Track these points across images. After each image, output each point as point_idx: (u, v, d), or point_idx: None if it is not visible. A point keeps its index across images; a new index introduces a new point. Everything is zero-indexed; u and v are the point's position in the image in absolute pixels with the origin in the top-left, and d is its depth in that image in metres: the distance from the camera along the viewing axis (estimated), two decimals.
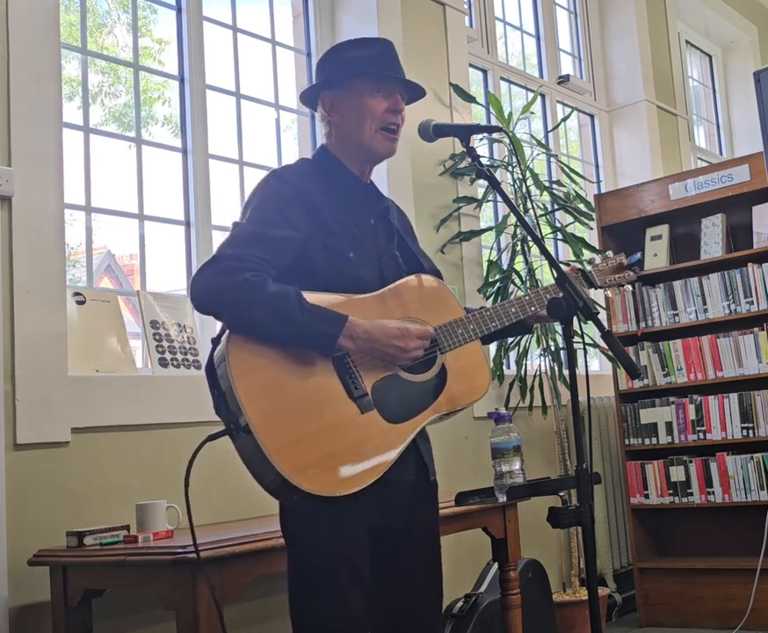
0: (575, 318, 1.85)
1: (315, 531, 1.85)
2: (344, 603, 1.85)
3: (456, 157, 4.14)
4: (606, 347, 1.83)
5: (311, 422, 1.80)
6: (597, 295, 4.85)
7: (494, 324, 2.02)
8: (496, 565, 3.30)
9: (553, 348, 4.08)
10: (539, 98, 5.05)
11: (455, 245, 4.10)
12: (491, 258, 4.16)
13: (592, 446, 4.47)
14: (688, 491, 4.26)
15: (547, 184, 4.28)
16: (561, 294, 2.01)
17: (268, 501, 1.95)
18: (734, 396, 4.16)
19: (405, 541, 2.00)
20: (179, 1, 3.46)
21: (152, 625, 2.74)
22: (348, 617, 1.85)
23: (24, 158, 2.66)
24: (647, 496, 4.36)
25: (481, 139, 4.36)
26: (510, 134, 4.18)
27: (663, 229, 4.53)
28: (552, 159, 4.95)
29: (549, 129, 5.01)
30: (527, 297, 2.09)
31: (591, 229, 4.62)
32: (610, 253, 2.26)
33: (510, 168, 4.19)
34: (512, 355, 4.41)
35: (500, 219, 4.36)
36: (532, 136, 4.77)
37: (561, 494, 2.96)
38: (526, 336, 4.02)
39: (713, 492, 4.19)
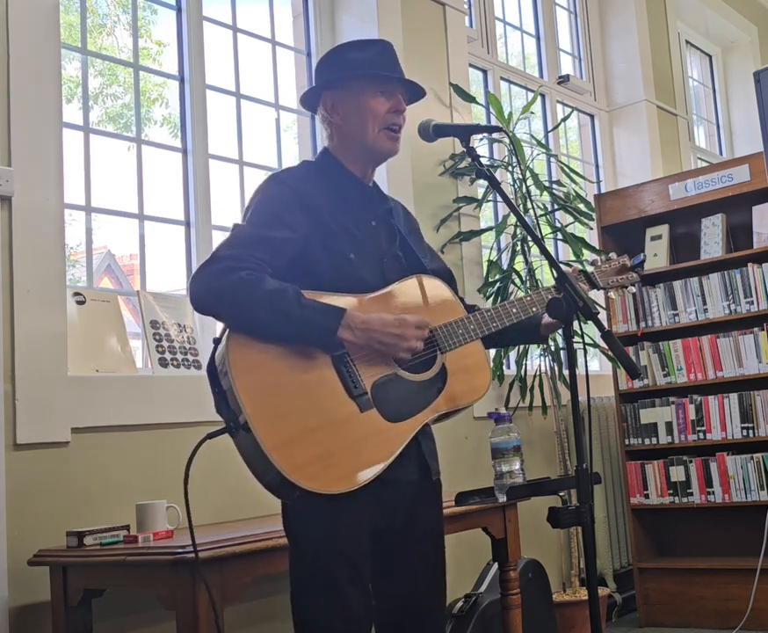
0: (575, 318, 1.85)
1: (316, 530, 1.86)
2: (344, 603, 1.85)
3: (456, 157, 4.14)
4: (606, 347, 1.83)
5: (310, 420, 1.80)
6: (597, 295, 4.84)
7: (494, 325, 2.02)
8: (496, 565, 3.30)
9: (553, 348, 4.08)
10: (539, 98, 5.05)
11: (455, 245, 4.10)
12: (491, 258, 4.16)
13: (592, 446, 4.47)
14: (688, 491, 4.26)
15: (547, 184, 4.28)
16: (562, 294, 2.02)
17: (268, 500, 1.95)
18: (734, 396, 4.16)
19: (407, 540, 2.00)
20: (179, 1, 3.46)
21: (152, 625, 2.74)
22: (348, 617, 1.85)
23: (24, 158, 2.66)
24: (647, 496, 4.36)
25: (481, 139, 4.36)
26: (510, 134, 4.18)
27: (663, 229, 4.53)
28: (552, 159, 4.95)
29: (549, 129, 5.01)
30: (529, 298, 2.08)
31: (591, 229, 4.62)
32: (613, 255, 2.26)
33: (510, 168, 4.19)
34: (512, 355, 4.41)
35: (500, 219, 4.36)
36: (532, 136, 4.77)
37: (561, 494, 2.96)
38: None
39: (713, 492, 4.19)
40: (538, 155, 4.44)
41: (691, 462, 4.26)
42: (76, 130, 3.06)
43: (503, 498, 2.08)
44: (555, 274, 1.88)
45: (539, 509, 2.49)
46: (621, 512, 4.66)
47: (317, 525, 1.86)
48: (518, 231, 4.12)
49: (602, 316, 2.05)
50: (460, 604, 3.34)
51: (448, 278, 2.21)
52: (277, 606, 3.06)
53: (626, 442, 4.43)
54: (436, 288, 2.06)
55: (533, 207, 4.28)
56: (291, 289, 1.83)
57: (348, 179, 2.04)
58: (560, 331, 2.17)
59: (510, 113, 4.27)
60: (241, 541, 2.26)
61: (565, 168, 4.41)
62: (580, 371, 1.88)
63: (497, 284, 4.08)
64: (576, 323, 1.86)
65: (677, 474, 4.28)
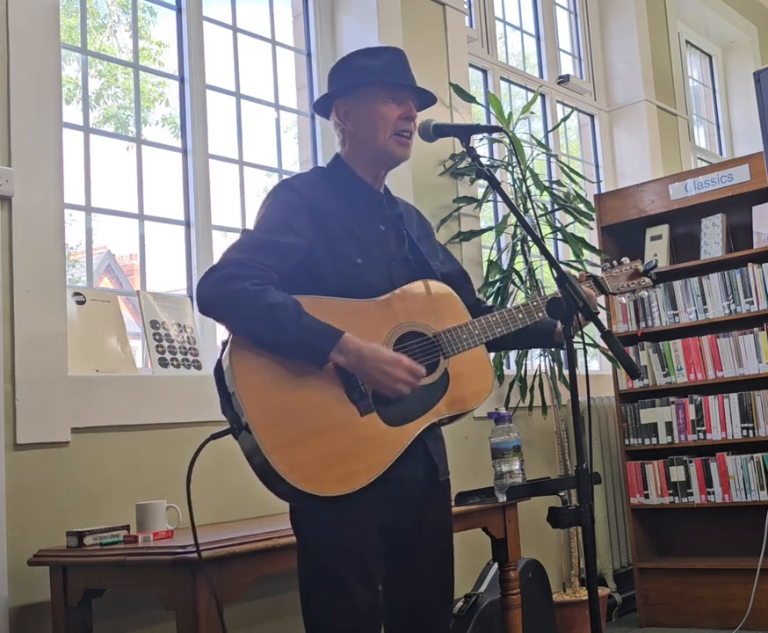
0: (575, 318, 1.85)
1: (321, 529, 1.88)
2: (349, 601, 1.86)
3: (456, 157, 4.14)
4: (606, 347, 1.83)
5: (310, 422, 1.82)
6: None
7: (499, 330, 2.02)
8: (496, 565, 3.30)
9: (553, 348, 4.08)
10: (539, 98, 5.05)
11: (455, 245, 4.10)
12: (491, 258, 4.16)
13: (592, 446, 4.47)
14: (688, 491, 4.26)
15: (547, 184, 4.28)
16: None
17: (269, 500, 1.95)
18: (734, 396, 4.16)
19: (415, 540, 2.01)
20: (179, 1, 3.46)
21: (152, 625, 2.74)
22: (354, 615, 1.87)
23: (24, 158, 2.66)
24: (647, 496, 4.36)
25: (481, 139, 4.36)
26: (510, 134, 4.18)
27: (663, 229, 4.53)
28: (552, 159, 4.95)
29: (549, 129, 5.01)
30: (535, 303, 2.08)
31: (591, 229, 4.62)
32: (626, 259, 2.24)
33: (510, 168, 4.19)
34: (512, 355, 4.41)
35: (500, 219, 4.36)
36: (532, 136, 4.77)
37: (561, 494, 2.96)
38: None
39: (713, 492, 4.19)
40: (538, 155, 4.44)
41: (691, 461, 4.26)
42: (76, 130, 3.06)
43: (503, 498, 2.08)
44: (555, 274, 1.88)
45: (539, 509, 2.49)
46: (621, 512, 4.66)
47: (322, 524, 1.87)
48: (518, 231, 4.12)
49: (602, 316, 2.05)
50: (460, 604, 3.34)
51: (463, 279, 2.23)
52: (277, 606, 3.06)
53: (626, 442, 4.43)
54: (441, 292, 2.06)
55: (533, 207, 4.28)
56: (291, 305, 1.85)
57: (357, 185, 2.06)
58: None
59: (510, 113, 4.27)
60: (241, 541, 2.26)
61: (565, 168, 4.41)
62: (580, 371, 1.88)
63: (497, 284, 4.08)
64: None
65: (677, 474, 4.28)
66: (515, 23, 5.22)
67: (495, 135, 4.28)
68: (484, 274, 4.18)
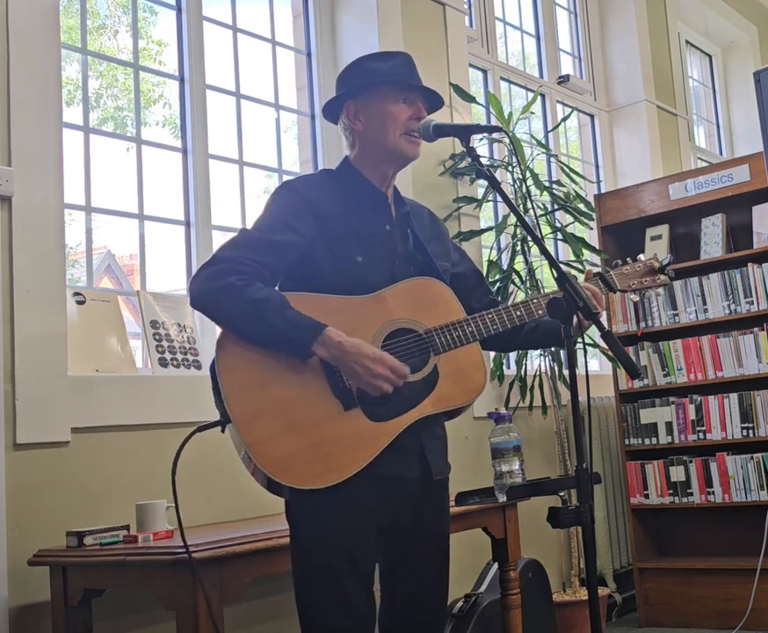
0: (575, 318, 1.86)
1: (311, 524, 1.90)
2: (342, 597, 1.88)
3: (456, 157, 4.14)
4: (606, 347, 1.83)
5: (293, 416, 1.85)
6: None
7: (494, 327, 2.02)
8: (496, 565, 3.30)
9: (553, 348, 4.08)
10: (539, 98, 5.05)
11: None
12: (491, 258, 4.16)
13: (592, 446, 4.47)
14: (688, 491, 4.26)
15: (547, 184, 4.28)
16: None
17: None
18: (734, 396, 4.16)
19: (412, 539, 2.02)
20: (179, 1, 3.46)
21: (152, 625, 2.74)
22: (347, 610, 1.88)
23: (24, 158, 2.66)
24: (647, 496, 4.36)
25: (481, 139, 4.36)
26: (510, 134, 4.18)
27: (663, 229, 4.53)
28: (552, 159, 4.95)
29: (549, 129, 5.01)
30: (535, 301, 2.08)
31: (591, 229, 4.62)
32: (641, 256, 2.22)
33: (510, 168, 4.19)
34: (512, 355, 4.41)
35: (500, 219, 4.36)
36: (532, 136, 4.77)
37: (561, 494, 2.96)
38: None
39: (713, 492, 4.19)
40: (538, 155, 4.44)
41: (691, 461, 4.26)
42: (76, 130, 3.06)
43: (503, 498, 2.08)
44: (555, 274, 1.88)
45: (539, 509, 2.49)
46: (621, 513, 4.66)
47: (312, 519, 1.89)
48: (518, 231, 4.12)
49: (602, 316, 2.05)
50: (460, 604, 3.34)
51: (476, 279, 2.25)
52: (277, 606, 3.06)
53: (626, 442, 4.43)
54: (436, 290, 2.06)
55: (533, 207, 4.28)
56: (278, 299, 1.88)
57: (363, 186, 2.08)
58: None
59: (510, 113, 4.27)
60: (241, 541, 2.26)
61: (565, 168, 4.41)
62: (580, 371, 1.88)
63: (497, 284, 4.08)
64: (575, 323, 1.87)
65: (677, 474, 4.28)
66: (515, 23, 5.22)
67: (495, 135, 4.28)
68: (484, 274, 4.18)
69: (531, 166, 4.21)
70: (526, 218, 3.77)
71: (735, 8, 6.83)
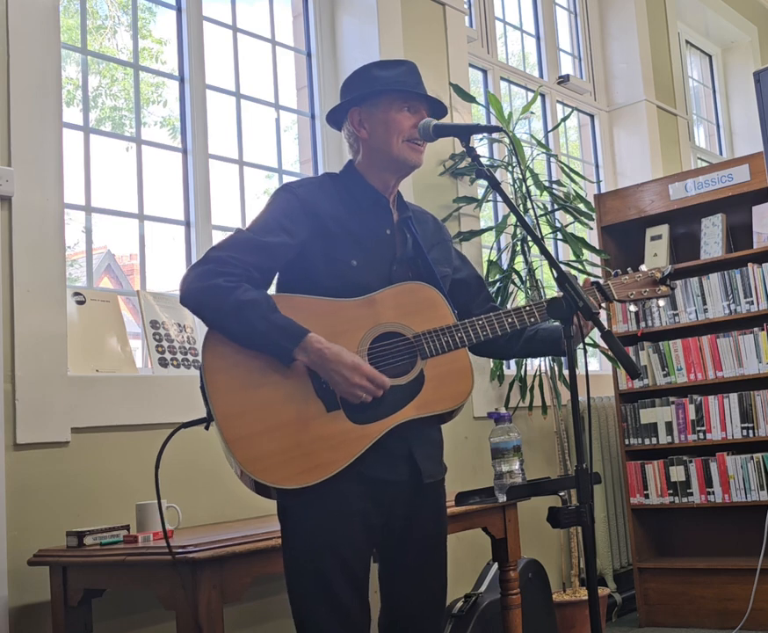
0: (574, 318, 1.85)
1: (302, 526, 1.91)
2: (333, 596, 1.88)
3: (456, 157, 4.14)
4: (606, 347, 1.83)
5: (274, 416, 1.86)
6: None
7: (485, 334, 2.01)
8: (496, 565, 3.30)
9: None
10: (539, 98, 5.05)
11: (455, 245, 4.09)
12: (491, 258, 4.16)
13: (592, 446, 4.48)
14: (688, 491, 4.25)
15: (546, 184, 4.28)
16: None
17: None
18: (734, 396, 4.16)
19: (406, 542, 2.03)
20: (179, 1, 3.46)
21: (152, 625, 2.74)
22: (335, 603, 1.88)
23: (24, 158, 2.66)
24: (647, 496, 4.36)
25: (481, 139, 4.36)
26: (510, 134, 4.18)
27: (663, 229, 4.53)
28: (552, 159, 4.95)
29: (549, 129, 5.01)
30: (528, 309, 2.07)
31: (591, 229, 4.62)
32: (643, 267, 2.20)
33: (510, 168, 4.19)
34: None
35: (500, 219, 4.36)
36: (531, 136, 4.77)
37: (561, 494, 2.95)
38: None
39: (713, 492, 4.19)
40: (538, 155, 4.44)
41: (691, 462, 4.26)
42: (76, 130, 3.06)
43: (503, 498, 2.08)
44: (555, 274, 1.87)
45: (539, 509, 2.49)
46: (621, 513, 4.66)
47: (305, 520, 1.90)
48: (518, 231, 4.12)
49: (602, 315, 2.05)
50: (459, 604, 3.34)
51: (477, 285, 2.25)
52: (277, 606, 3.06)
53: (626, 442, 4.43)
54: (427, 295, 2.05)
55: (533, 207, 4.28)
56: (264, 302, 1.89)
57: (365, 190, 2.08)
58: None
59: (510, 113, 4.27)
60: (241, 541, 2.26)
61: (565, 168, 4.41)
62: (580, 371, 1.88)
63: (497, 284, 4.08)
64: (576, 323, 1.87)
65: (677, 474, 4.28)
66: (515, 23, 5.22)
67: (495, 135, 4.28)
68: (484, 274, 4.18)
69: (531, 166, 4.21)
70: (526, 218, 3.77)
71: (735, 8, 6.83)
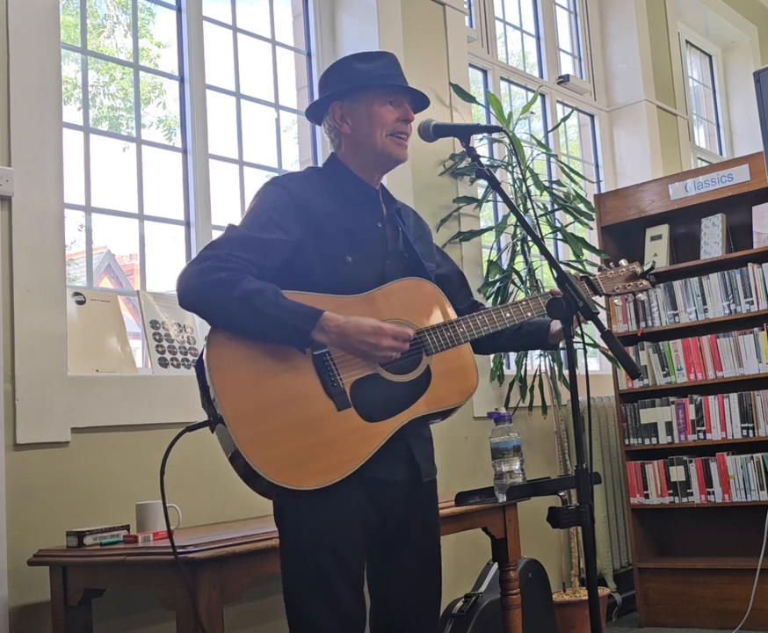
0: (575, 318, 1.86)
1: (301, 525, 1.88)
2: (332, 596, 1.87)
3: (456, 157, 4.14)
4: (606, 347, 1.83)
5: (285, 416, 1.83)
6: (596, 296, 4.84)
7: (486, 329, 2.02)
8: (496, 565, 3.30)
9: (547, 350, 4.07)
10: (539, 98, 5.05)
11: (455, 245, 4.10)
12: (491, 258, 4.16)
13: (592, 446, 4.48)
14: (688, 491, 4.26)
15: (546, 184, 4.28)
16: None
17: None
18: (734, 396, 4.16)
19: (402, 542, 2.02)
20: (179, 1, 3.46)
21: (152, 625, 2.74)
22: (335, 603, 1.87)
23: (24, 158, 2.66)
24: (647, 496, 4.36)
25: (481, 139, 4.36)
26: (510, 134, 4.18)
27: (663, 229, 4.53)
28: (552, 159, 4.95)
29: (549, 129, 5.01)
30: (524, 303, 2.08)
31: (591, 229, 4.62)
32: (623, 261, 2.24)
33: (510, 168, 4.19)
34: (512, 355, 4.41)
35: (500, 219, 4.36)
36: (531, 136, 4.77)
37: (561, 494, 2.96)
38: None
39: (713, 492, 4.19)
40: (538, 155, 4.44)
41: (691, 462, 4.26)
42: (76, 130, 3.06)
43: (503, 498, 2.08)
44: (555, 274, 1.88)
45: (539, 509, 2.49)
46: (621, 513, 4.66)
47: (303, 520, 1.88)
48: (518, 231, 4.12)
49: (602, 316, 2.05)
50: (459, 604, 3.34)
51: (459, 281, 2.24)
52: (277, 606, 3.05)
53: (626, 442, 4.43)
54: (426, 291, 2.05)
55: (533, 207, 4.28)
56: (270, 289, 1.85)
57: (353, 183, 2.06)
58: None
59: (510, 113, 4.27)
60: (241, 541, 2.26)
61: (565, 168, 4.41)
62: (580, 371, 1.88)
63: (497, 284, 4.08)
64: (576, 323, 1.87)
65: (677, 474, 4.28)
66: (515, 23, 5.22)
67: (495, 135, 4.28)
68: (484, 274, 4.18)
69: (531, 166, 4.21)
70: (526, 218, 3.77)
71: (735, 8, 6.83)
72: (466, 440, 3.90)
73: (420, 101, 2.11)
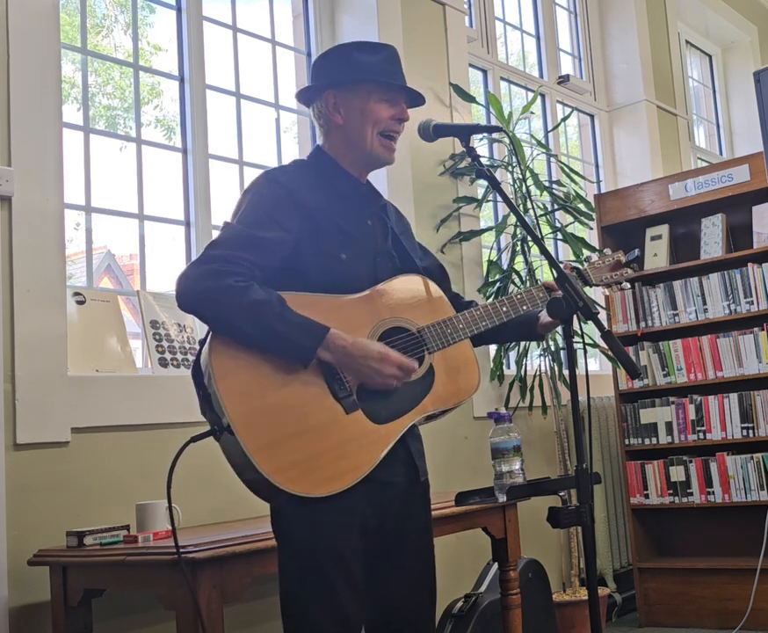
0: (574, 318, 1.85)
1: (304, 530, 1.85)
2: (335, 601, 1.85)
3: (456, 157, 4.14)
4: (606, 347, 1.83)
5: (294, 422, 1.80)
6: (597, 296, 4.85)
7: (484, 324, 2.01)
8: (496, 565, 3.30)
9: (553, 348, 4.08)
10: (539, 98, 5.05)
11: (455, 245, 4.10)
12: (491, 258, 4.16)
13: (592, 446, 4.48)
14: (688, 491, 4.25)
15: (546, 184, 4.28)
16: (552, 294, 2.02)
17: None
18: (734, 396, 4.16)
19: (399, 542, 2.00)
20: (179, 1, 3.46)
21: (152, 625, 2.74)
22: (339, 614, 1.85)
23: (24, 158, 2.66)
24: (647, 496, 4.36)
25: (481, 139, 4.36)
26: (510, 134, 4.18)
27: (663, 229, 4.53)
28: (552, 159, 4.95)
29: (549, 129, 5.01)
30: (519, 296, 2.08)
31: (591, 229, 4.62)
32: (608, 250, 2.26)
33: (510, 168, 4.19)
34: (512, 355, 4.41)
35: (500, 219, 4.36)
36: (531, 136, 4.77)
37: (561, 494, 2.96)
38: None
39: (713, 492, 4.19)
40: (538, 155, 4.44)
41: (691, 462, 4.26)
42: (76, 130, 3.06)
43: (503, 498, 2.08)
44: (555, 274, 1.87)
45: (539, 509, 2.49)
46: (621, 513, 4.66)
47: (306, 525, 1.85)
48: (518, 231, 4.12)
49: (602, 315, 2.05)
50: (459, 604, 3.34)
51: (440, 274, 2.21)
52: (277, 606, 3.05)
53: (626, 442, 4.43)
54: (424, 287, 2.04)
55: (533, 207, 4.28)
56: (276, 301, 1.82)
57: (343, 178, 2.04)
58: (560, 330, 2.17)
59: (510, 113, 4.27)
60: (241, 541, 2.26)
61: (565, 168, 4.41)
62: (580, 371, 1.88)
63: (497, 284, 4.08)
64: (576, 323, 1.87)
65: (677, 474, 4.28)
66: (515, 23, 5.22)
67: (495, 135, 4.28)
68: (484, 274, 4.18)
69: (531, 166, 4.22)
70: (526, 218, 3.77)
71: (735, 8, 6.83)
72: (466, 440, 3.90)
73: (415, 98, 2.09)
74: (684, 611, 4.23)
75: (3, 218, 2.61)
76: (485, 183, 3.92)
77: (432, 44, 4.21)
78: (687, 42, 6.69)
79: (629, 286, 2.27)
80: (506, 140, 4.32)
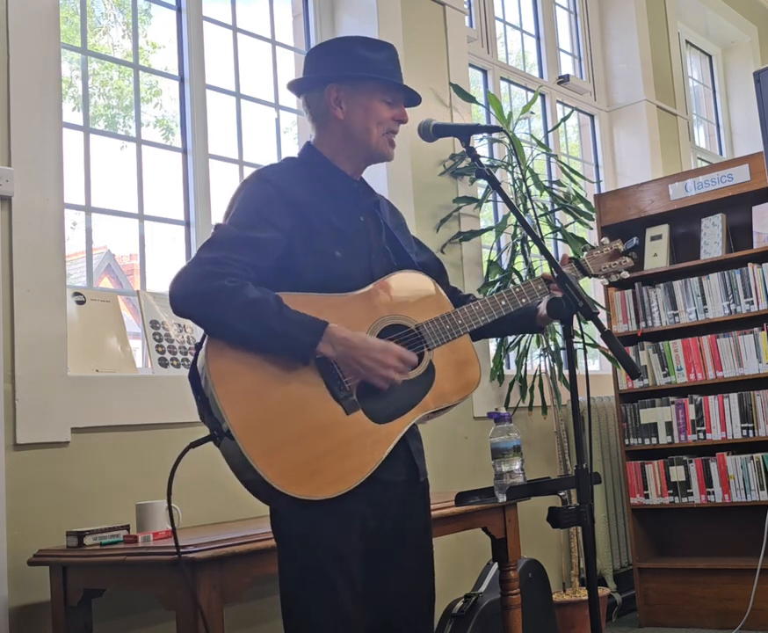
0: (575, 318, 1.85)
1: (305, 531, 1.85)
2: (335, 600, 1.85)
3: (456, 157, 4.14)
4: (606, 347, 1.83)
5: (295, 425, 1.78)
6: (598, 296, 4.85)
7: (483, 318, 2.00)
8: (496, 565, 3.30)
9: (553, 348, 4.08)
10: (539, 98, 5.05)
11: (455, 245, 4.10)
12: (491, 258, 4.16)
13: (592, 446, 4.48)
14: (688, 491, 4.26)
15: (546, 184, 4.28)
16: (551, 286, 2.02)
17: None
18: (734, 396, 4.16)
19: (399, 542, 2.00)
20: (179, 1, 3.46)
21: (152, 625, 2.74)
22: (341, 615, 1.85)
23: (24, 158, 2.66)
24: (647, 496, 4.36)
25: (481, 139, 4.36)
26: (510, 134, 4.18)
27: (663, 229, 4.53)
28: (552, 159, 4.95)
29: (549, 129, 5.01)
30: (518, 289, 2.07)
31: (591, 229, 4.62)
32: (606, 240, 2.25)
33: (510, 168, 4.19)
34: (512, 355, 4.41)
35: (500, 219, 4.36)
36: (531, 136, 4.77)
37: (561, 494, 2.96)
38: (526, 335, 4.03)
39: (713, 492, 4.19)
40: (538, 155, 4.44)
41: (691, 462, 4.26)
42: (76, 130, 3.06)
43: (503, 498, 2.08)
44: (555, 274, 1.87)
45: (539, 509, 2.49)
46: (621, 513, 4.66)
47: (307, 524, 1.84)
48: (518, 231, 4.12)
49: (602, 315, 2.05)
50: (459, 604, 3.34)
51: (438, 268, 2.20)
52: (277, 606, 3.05)
53: (626, 442, 4.43)
54: (421, 283, 2.04)
55: (533, 207, 4.28)
56: (273, 299, 1.80)
57: (335, 175, 2.02)
58: (560, 330, 2.17)
59: (510, 113, 4.27)
60: (241, 541, 2.26)
61: (565, 168, 4.41)
62: (580, 371, 1.88)
63: (497, 284, 4.08)
64: (576, 323, 1.87)
65: (677, 474, 4.28)
66: (515, 23, 5.22)
67: (495, 135, 4.28)
68: (484, 274, 4.18)
69: (531, 166, 4.22)
70: (526, 218, 3.77)
71: (735, 8, 6.83)
72: (466, 440, 3.90)
73: (413, 99, 2.09)
74: (684, 611, 4.23)
75: (3, 218, 2.61)
76: (485, 183, 3.92)
77: (432, 44, 4.21)
78: (687, 42, 6.69)
79: (628, 274, 2.25)
80: (506, 140, 4.32)
